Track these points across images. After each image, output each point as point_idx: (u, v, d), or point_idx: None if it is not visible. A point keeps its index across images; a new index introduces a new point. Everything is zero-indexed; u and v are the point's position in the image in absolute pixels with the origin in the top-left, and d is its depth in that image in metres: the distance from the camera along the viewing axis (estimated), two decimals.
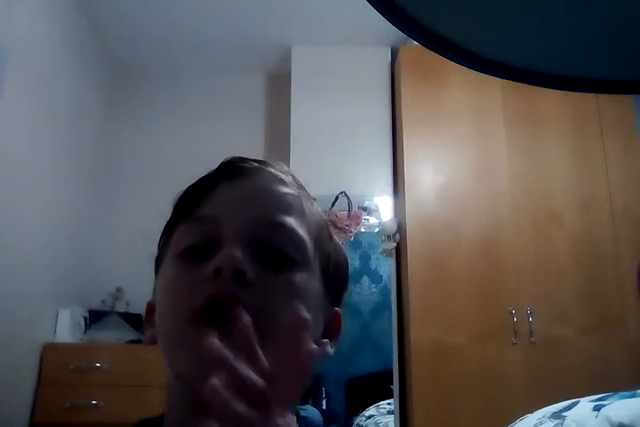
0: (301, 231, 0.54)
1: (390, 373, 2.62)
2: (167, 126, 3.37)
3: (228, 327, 0.43)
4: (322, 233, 0.58)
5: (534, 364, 2.41)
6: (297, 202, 0.56)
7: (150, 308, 0.57)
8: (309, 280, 0.53)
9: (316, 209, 0.59)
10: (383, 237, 2.76)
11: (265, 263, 0.51)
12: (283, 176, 0.57)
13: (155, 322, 0.54)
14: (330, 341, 0.58)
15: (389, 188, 2.96)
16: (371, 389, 2.95)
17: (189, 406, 0.49)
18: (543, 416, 0.67)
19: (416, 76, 2.84)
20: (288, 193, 0.56)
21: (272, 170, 0.57)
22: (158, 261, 0.58)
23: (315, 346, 0.34)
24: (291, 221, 0.54)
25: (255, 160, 0.58)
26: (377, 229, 2.93)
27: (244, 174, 0.56)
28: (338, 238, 0.62)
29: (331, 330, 0.58)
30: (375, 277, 3.10)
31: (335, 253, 0.59)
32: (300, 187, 0.59)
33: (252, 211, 0.53)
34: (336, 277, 0.59)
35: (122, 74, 3.43)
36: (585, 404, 0.65)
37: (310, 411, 2.71)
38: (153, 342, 0.54)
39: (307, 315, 0.35)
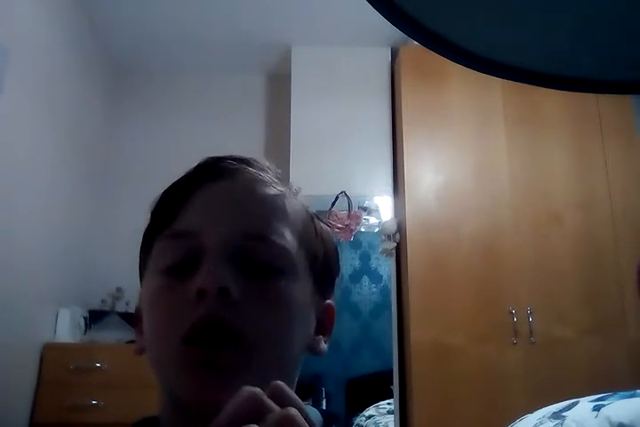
0: (286, 236, 0.52)
1: (390, 373, 2.62)
2: (167, 126, 3.37)
3: (211, 348, 0.46)
4: (307, 229, 0.56)
5: (534, 364, 2.41)
6: (279, 202, 0.54)
7: (138, 315, 0.56)
8: (296, 287, 0.52)
9: (300, 204, 0.57)
10: (383, 237, 2.76)
11: (249, 274, 0.49)
12: (262, 175, 0.54)
13: (143, 331, 0.53)
14: (324, 336, 0.57)
15: (389, 188, 2.96)
16: (371, 389, 2.95)
17: (183, 418, 0.50)
18: (543, 416, 0.67)
19: (416, 76, 2.84)
20: (269, 195, 0.53)
21: (250, 170, 0.54)
22: (141, 268, 0.56)
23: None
24: (274, 227, 0.51)
25: (233, 158, 0.55)
26: (377, 229, 2.93)
27: (222, 177, 0.53)
28: (325, 227, 0.59)
29: (324, 324, 0.57)
30: (375, 277, 3.10)
31: (323, 247, 0.57)
32: (282, 181, 0.57)
33: (232, 221, 0.51)
34: (325, 271, 0.57)
35: (122, 74, 3.43)
36: (585, 404, 0.65)
37: (310, 411, 2.71)
38: (143, 351, 0.53)
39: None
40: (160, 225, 0.53)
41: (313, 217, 0.58)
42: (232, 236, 0.50)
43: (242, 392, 0.34)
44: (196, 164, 0.56)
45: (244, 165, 0.54)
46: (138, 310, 0.57)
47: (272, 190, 0.54)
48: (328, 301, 0.59)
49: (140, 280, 0.56)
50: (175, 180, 0.56)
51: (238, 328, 0.47)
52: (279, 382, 0.35)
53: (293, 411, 0.33)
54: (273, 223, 0.52)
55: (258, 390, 0.34)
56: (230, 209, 0.52)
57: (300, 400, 0.35)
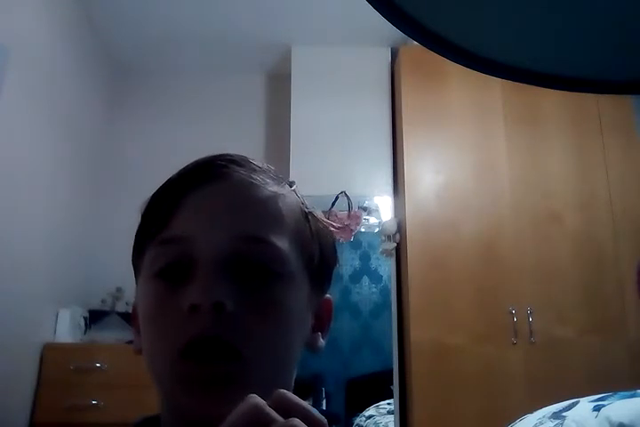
0: (280, 239, 0.51)
1: (390, 373, 2.62)
2: (167, 126, 3.37)
3: (209, 363, 0.46)
4: (301, 230, 0.54)
5: (534, 364, 2.41)
6: (271, 205, 0.52)
7: (135, 313, 0.56)
8: (292, 290, 0.51)
9: (295, 203, 0.55)
10: (383, 237, 2.76)
11: (244, 280, 0.48)
12: (254, 176, 0.53)
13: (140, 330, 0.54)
14: (322, 331, 0.56)
15: (389, 188, 2.96)
16: (371, 389, 2.95)
17: (182, 423, 0.50)
18: (543, 416, 0.66)
19: (416, 76, 2.84)
20: (260, 197, 0.52)
21: (242, 171, 0.53)
22: (135, 270, 0.56)
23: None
24: (267, 229, 0.51)
25: (223, 159, 0.54)
26: (377, 229, 2.93)
27: (213, 180, 0.52)
28: (320, 225, 0.58)
29: (322, 320, 0.56)
30: (375, 277, 3.10)
31: (319, 245, 0.56)
32: (275, 180, 0.55)
33: (224, 225, 0.50)
34: (322, 268, 0.56)
35: (122, 73, 3.43)
36: (585, 404, 0.65)
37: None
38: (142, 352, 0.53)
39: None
40: (151, 230, 0.52)
41: (308, 215, 0.56)
42: (224, 241, 0.49)
43: (244, 403, 0.34)
44: (185, 165, 0.55)
45: (234, 166, 0.53)
46: (134, 308, 0.57)
47: (264, 192, 0.52)
48: (326, 295, 0.58)
49: (136, 281, 0.56)
50: (165, 181, 0.55)
51: (235, 343, 0.46)
52: (282, 390, 0.35)
53: (296, 422, 0.32)
54: (266, 226, 0.51)
55: (260, 400, 0.34)
56: (222, 213, 0.51)
57: (304, 404, 0.35)
